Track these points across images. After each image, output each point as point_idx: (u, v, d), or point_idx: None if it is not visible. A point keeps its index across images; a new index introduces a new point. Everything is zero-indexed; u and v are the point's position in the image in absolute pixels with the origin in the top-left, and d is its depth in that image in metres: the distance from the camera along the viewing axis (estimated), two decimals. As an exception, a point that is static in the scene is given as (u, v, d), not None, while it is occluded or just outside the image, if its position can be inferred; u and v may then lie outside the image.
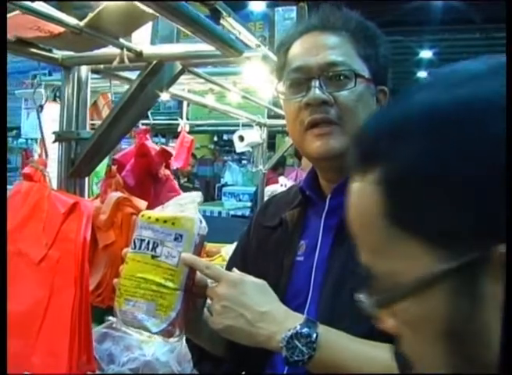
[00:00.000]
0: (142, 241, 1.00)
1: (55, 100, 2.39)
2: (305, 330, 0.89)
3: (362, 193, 0.48)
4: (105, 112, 3.24)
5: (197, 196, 1.08)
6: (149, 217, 1.02)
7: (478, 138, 0.41)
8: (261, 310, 0.92)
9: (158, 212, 1.04)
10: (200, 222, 1.02)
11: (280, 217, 1.15)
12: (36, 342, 1.45)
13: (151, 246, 0.99)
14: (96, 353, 1.60)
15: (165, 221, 1.00)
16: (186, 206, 1.04)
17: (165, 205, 1.07)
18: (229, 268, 1.26)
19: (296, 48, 1.08)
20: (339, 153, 1.01)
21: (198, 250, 1.02)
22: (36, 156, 3.41)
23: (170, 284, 0.97)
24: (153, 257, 0.98)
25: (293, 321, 0.90)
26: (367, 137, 0.49)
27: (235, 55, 1.38)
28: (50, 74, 2.49)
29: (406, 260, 0.43)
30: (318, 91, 1.01)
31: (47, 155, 1.58)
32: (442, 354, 0.44)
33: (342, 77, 1.02)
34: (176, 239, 0.98)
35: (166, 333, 0.97)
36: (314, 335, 0.88)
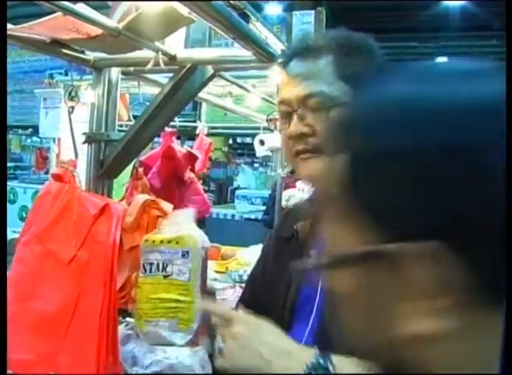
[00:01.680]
0: (151, 264, 1.08)
1: (72, 100, 2.39)
2: (322, 362, 0.89)
3: (331, 168, 0.48)
4: (125, 114, 3.25)
5: (190, 212, 1.16)
6: (153, 241, 1.11)
7: (451, 129, 0.41)
8: (277, 348, 0.92)
9: (161, 235, 1.12)
10: (202, 236, 1.09)
11: (293, 229, 1.19)
12: (64, 343, 1.45)
13: (161, 267, 1.06)
14: (119, 355, 1.60)
15: (169, 241, 1.08)
16: (183, 224, 1.11)
17: (161, 226, 1.16)
18: (252, 279, 1.27)
19: (281, 78, 1.11)
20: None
21: (205, 263, 1.08)
22: (53, 156, 3.43)
23: (186, 298, 1.03)
24: (165, 277, 1.06)
25: (307, 355, 0.91)
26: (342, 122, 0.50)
27: (270, 60, 1.39)
28: (66, 74, 2.49)
29: (349, 232, 0.45)
30: (295, 126, 1.06)
31: (77, 156, 1.59)
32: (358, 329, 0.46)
33: (319, 108, 1.05)
34: (183, 256, 1.04)
35: (192, 344, 1.06)
36: (331, 367, 0.88)
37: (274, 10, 6.65)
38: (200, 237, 1.07)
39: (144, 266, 1.10)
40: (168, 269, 1.05)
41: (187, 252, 1.04)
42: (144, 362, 1.75)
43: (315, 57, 1.06)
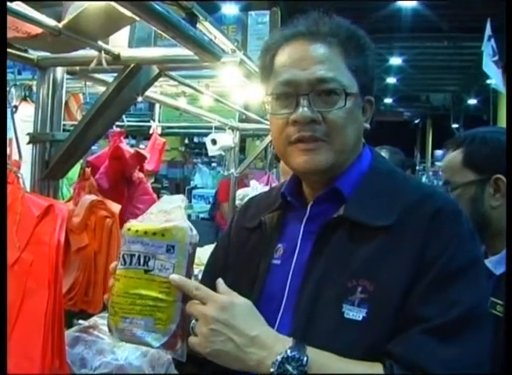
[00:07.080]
0: (132, 256, 0.95)
1: (25, 100, 2.36)
2: (295, 353, 0.88)
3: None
4: (77, 114, 3.21)
5: (181, 200, 1.02)
6: (137, 230, 0.96)
7: None
8: (250, 335, 0.90)
9: (145, 224, 0.98)
10: (191, 230, 0.97)
11: (259, 219, 1.13)
12: (8, 346, 1.42)
13: (142, 260, 0.95)
14: (68, 357, 1.58)
15: (154, 233, 0.95)
16: (172, 214, 0.98)
17: (148, 212, 1.01)
18: (208, 270, 1.24)
19: (284, 57, 1.03)
20: (325, 168, 1.01)
21: (191, 260, 0.97)
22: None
23: (167, 297, 0.93)
24: (146, 271, 0.94)
25: (282, 345, 0.89)
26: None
27: (213, 60, 1.39)
28: (19, 73, 2.45)
29: None
30: (306, 110, 0.98)
31: (21, 157, 1.56)
32: None
33: (331, 94, 0.99)
34: (168, 251, 0.94)
35: (168, 346, 0.95)
36: (305, 359, 0.87)
37: (231, 10, 6.67)
38: (188, 232, 0.96)
39: (123, 257, 0.96)
40: (150, 263, 0.95)
41: (173, 247, 0.95)
42: (92, 364, 1.74)
43: (324, 41, 1.01)
